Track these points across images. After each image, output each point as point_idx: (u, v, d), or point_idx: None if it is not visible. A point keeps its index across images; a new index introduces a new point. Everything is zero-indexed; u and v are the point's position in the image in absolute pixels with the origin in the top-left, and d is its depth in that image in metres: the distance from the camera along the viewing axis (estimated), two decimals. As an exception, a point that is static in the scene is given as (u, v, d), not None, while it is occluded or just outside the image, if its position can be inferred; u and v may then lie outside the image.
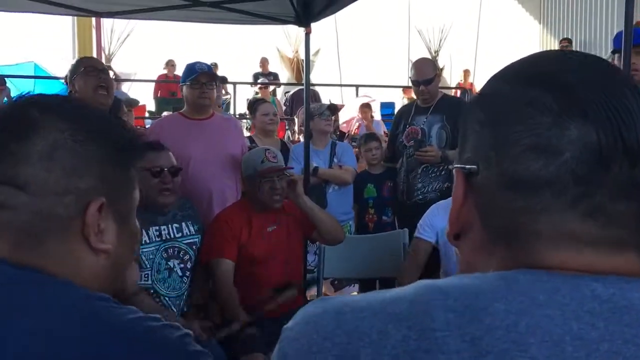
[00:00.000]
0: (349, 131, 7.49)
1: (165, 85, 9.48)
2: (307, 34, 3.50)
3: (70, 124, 0.74)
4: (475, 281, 0.52)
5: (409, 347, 0.48)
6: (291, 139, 7.10)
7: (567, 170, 0.51)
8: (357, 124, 7.61)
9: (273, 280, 2.70)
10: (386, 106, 9.26)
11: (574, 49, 8.57)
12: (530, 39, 10.44)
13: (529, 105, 0.53)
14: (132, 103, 4.44)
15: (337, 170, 4.04)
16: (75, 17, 7.47)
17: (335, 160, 4.10)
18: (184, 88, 3.22)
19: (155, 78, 9.89)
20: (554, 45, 9.30)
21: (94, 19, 7.59)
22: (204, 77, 3.15)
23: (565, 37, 8.70)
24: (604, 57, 3.46)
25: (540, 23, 10.15)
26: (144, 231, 2.48)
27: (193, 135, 3.16)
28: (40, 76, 8.48)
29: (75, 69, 2.80)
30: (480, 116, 0.58)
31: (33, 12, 3.65)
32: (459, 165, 0.59)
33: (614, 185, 0.52)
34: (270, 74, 10.37)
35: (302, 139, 5.03)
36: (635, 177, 0.52)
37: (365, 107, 7.59)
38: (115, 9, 3.61)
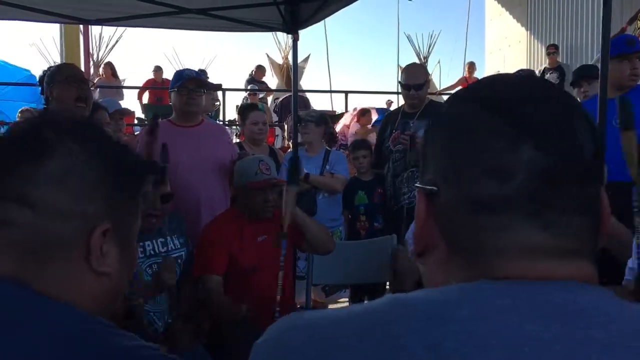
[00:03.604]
0: (338, 137, 7.45)
1: (153, 91, 9.44)
2: (295, 41, 3.51)
3: (84, 147, 0.75)
4: (439, 293, 0.55)
5: (375, 354, 0.50)
6: (280, 145, 7.08)
7: (521, 191, 0.55)
8: (354, 130, 7.54)
9: (264, 289, 2.69)
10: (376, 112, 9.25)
11: (560, 54, 8.65)
12: (518, 45, 10.51)
13: (485, 129, 0.57)
14: (124, 112, 4.32)
15: (328, 178, 4.04)
16: (62, 24, 7.43)
17: (327, 167, 4.10)
18: (172, 95, 3.22)
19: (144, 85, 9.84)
20: (542, 51, 9.37)
21: (81, 25, 7.55)
22: (191, 83, 3.14)
23: (552, 43, 8.76)
24: (590, 62, 3.48)
25: (527, 30, 10.21)
26: None
27: (181, 142, 3.13)
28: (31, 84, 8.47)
29: (54, 76, 2.71)
30: (439, 137, 0.62)
31: (21, 20, 3.62)
32: (420, 186, 0.62)
33: (567, 202, 0.56)
34: (262, 82, 10.36)
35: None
36: (584, 195, 0.57)
37: (364, 113, 7.51)
38: (103, 17, 3.60)
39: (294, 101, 3.64)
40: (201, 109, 3.29)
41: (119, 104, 4.88)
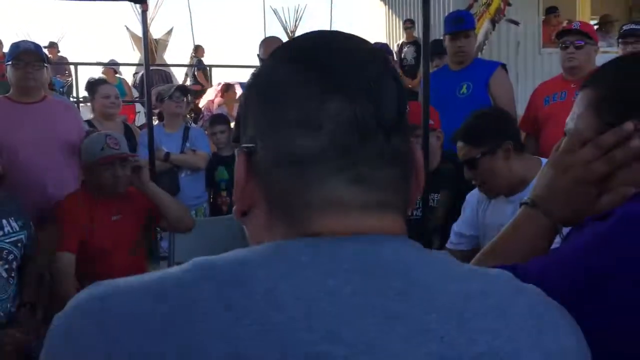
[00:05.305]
0: (202, 115, 7.28)
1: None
2: (144, 12, 3.34)
3: None
4: (246, 253, 0.54)
5: (173, 320, 0.49)
6: (143, 122, 6.79)
7: (329, 143, 0.55)
8: (217, 106, 7.41)
9: (120, 271, 2.58)
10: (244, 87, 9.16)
11: (416, 29, 9.05)
12: (376, 19, 10.84)
13: (293, 83, 0.57)
14: None
15: (190, 156, 3.97)
16: None
17: (187, 144, 4.01)
18: (8, 69, 2.99)
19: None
20: (399, 26, 9.74)
21: None
22: (27, 56, 2.91)
23: (408, 18, 9.14)
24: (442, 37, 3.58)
25: (385, 5, 10.56)
26: None
27: (21, 120, 2.92)
28: None
29: None
30: (255, 95, 0.62)
31: None
32: (239, 146, 0.61)
33: (374, 154, 0.57)
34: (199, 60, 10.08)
35: (155, 121, 4.84)
36: (392, 147, 0.58)
37: (228, 89, 7.37)
38: None
39: (147, 76, 3.49)
40: (40, 83, 3.05)
41: None
